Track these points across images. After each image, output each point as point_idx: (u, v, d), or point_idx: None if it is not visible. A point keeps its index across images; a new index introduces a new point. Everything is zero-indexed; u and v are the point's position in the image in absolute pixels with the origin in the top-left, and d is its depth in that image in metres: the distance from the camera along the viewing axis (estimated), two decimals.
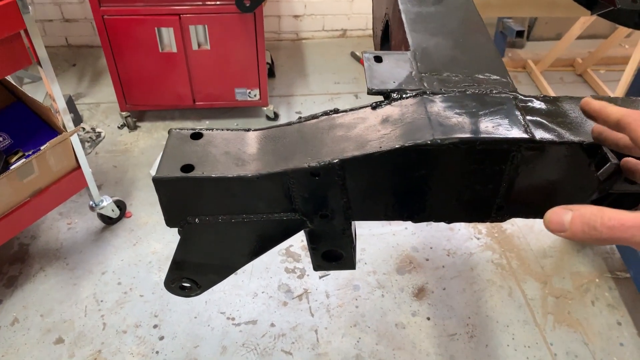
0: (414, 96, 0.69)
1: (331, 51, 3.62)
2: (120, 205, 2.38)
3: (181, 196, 0.68)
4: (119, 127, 2.92)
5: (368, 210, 0.71)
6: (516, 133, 0.62)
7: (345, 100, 3.18)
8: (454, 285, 2.20)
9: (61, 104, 1.87)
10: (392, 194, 0.69)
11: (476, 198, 0.69)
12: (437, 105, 0.67)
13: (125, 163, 2.73)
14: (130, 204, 2.49)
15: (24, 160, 1.85)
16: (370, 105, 0.72)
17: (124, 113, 2.85)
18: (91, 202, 2.27)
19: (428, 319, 2.10)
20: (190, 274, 0.81)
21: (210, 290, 2.22)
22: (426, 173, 0.65)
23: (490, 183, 0.67)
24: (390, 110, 0.69)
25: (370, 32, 3.76)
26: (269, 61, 3.22)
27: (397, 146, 0.62)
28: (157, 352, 1.95)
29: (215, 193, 0.67)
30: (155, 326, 2.03)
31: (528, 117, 0.66)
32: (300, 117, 0.73)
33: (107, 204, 2.29)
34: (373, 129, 0.67)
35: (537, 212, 0.72)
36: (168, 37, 2.56)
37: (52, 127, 2.02)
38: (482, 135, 0.62)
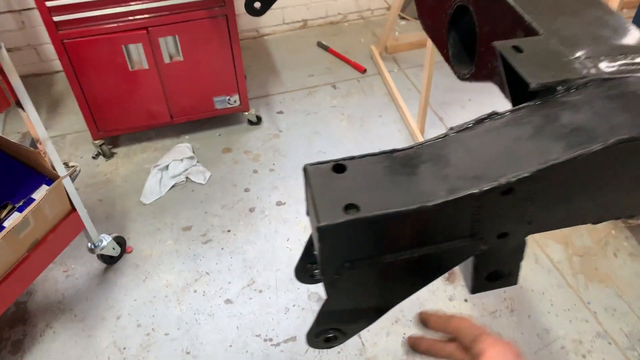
0: (584, 85, 0.62)
1: (296, 44, 3.50)
2: (120, 242, 2.20)
3: (344, 242, 0.58)
4: (93, 157, 2.71)
5: (551, 221, 0.64)
6: None
7: (324, 92, 3.09)
8: None
9: (49, 146, 1.68)
10: (584, 198, 0.61)
11: None
12: (618, 93, 0.60)
13: (111, 195, 2.53)
14: (128, 238, 2.31)
15: (17, 214, 1.66)
16: (533, 102, 0.64)
17: (97, 141, 2.64)
18: (89, 244, 2.08)
19: (465, 300, 2.07)
20: (339, 324, 0.71)
21: (238, 313, 2.11)
22: (627, 170, 0.58)
23: None
24: (564, 105, 0.61)
25: (332, 19, 3.67)
26: None
27: (599, 147, 0.55)
28: None
29: (383, 232, 0.58)
30: None
31: None
32: (452, 128, 0.65)
33: (107, 243, 2.11)
34: (555, 129, 0.59)
35: None
36: (137, 54, 2.38)
37: (37, 171, 1.82)
38: None
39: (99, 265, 2.21)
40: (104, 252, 2.12)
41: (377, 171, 0.61)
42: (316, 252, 0.62)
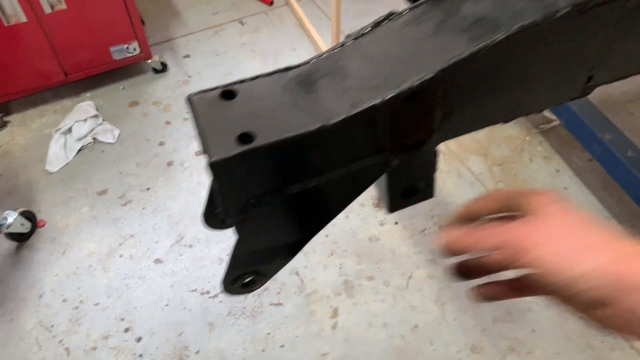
0: None
1: None
2: (29, 216, 2.03)
3: (244, 177, 0.52)
4: None
5: (460, 125, 0.60)
6: None
7: (231, 29, 2.92)
8: None
9: None
10: (492, 95, 0.58)
11: (570, 74, 0.60)
12: None
13: (11, 167, 2.30)
14: (39, 211, 2.13)
15: None
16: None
17: None
18: None
19: (396, 223, 2.10)
20: (255, 266, 0.66)
21: (170, 271, 2.02)
22: (539, 56, 0.54)
23: (589, 51, 0.58)
24: None
25: None
26: None
27: (501, 36, 0.50)
28: (140, 356, 1.76)
29: (285, 160, 0.52)
30: (126, 330, 1.82)
31: None
32: (348, 35, 0.58)
33: (13, 220, 1.93)
34: (457, 23, 0.54)
35: (629, 69, 0.65)
36: (11, 5, 2.10)
37: None
38: None
39: (10, 244, 2.04)
40: (11, 229, 1.95)
41: (271, 93, 0.54)
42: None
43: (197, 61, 2.75)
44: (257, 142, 0.49)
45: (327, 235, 2.06)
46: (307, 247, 2.00)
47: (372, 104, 0.50)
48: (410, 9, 0.57)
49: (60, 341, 1.80)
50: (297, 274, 1.95)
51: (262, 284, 0.71)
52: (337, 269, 1.97)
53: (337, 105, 0.51)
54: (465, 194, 2.17)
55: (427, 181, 0.65)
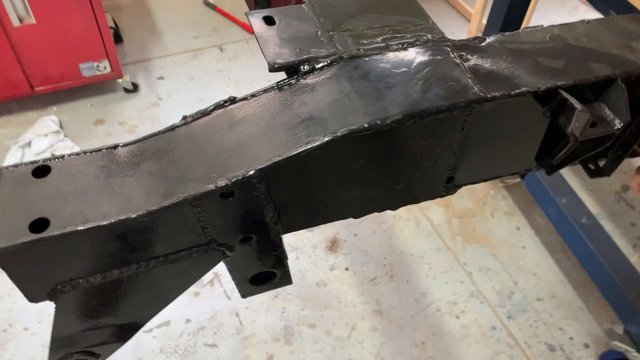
0: (329, 64, 0.54)
1: (181, 2, 3.25)
2: None
3: (42, 263, 0.48)
4: None
5: (301, 219, 0.56)
6: (467, 93, 0.50)
7: (209, 55, 2.90)
8: (365, 228, 2.16)
9: None
10: (329, 193, 0.54)
11: (423, 176, 0.57)
12: (361, 74, 0.52)
13: None
14: None
15: None
16: (276, 85, 0.55)
17: None
18: None
19: (347, 269, 2.05)
20: (84, 346, 0.61)
21: None
22: (367, 160, 0.51)
23: (439, 156, 0.55)
24: (304, 89, 0.53)
25: None
26: (112, 25, 2.80)
27: (326, 139, 0.47)
28: None
29: (90, 248, 0.48)
30: None
31: (469, 66, 0.54)
32: (185, 117, 0.55)
33: None
34: (288, 119, 0.50)
35: (489, 172, 0.62)
36: None
37: None
38: (428, 105, 0.49)
39: None
40: None
41: (88, 173, 0.50)
42: None
43: (170, 84, 2.72)
44: (48, 232, 0.45)
45: None
46: None
47: (183, 197, 0.46)
48: (253, 95, 0.54)
49: None
50: (237, 314, 1.89)
51: None
52: (279, 312, 1.91)
53: (149, 195, 0.47)
54: (421, 244, 2.13)
55: (280, 270, 0.61)
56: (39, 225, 0.45)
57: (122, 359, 1.76)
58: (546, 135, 0.57)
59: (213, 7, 3.19)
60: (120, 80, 2.57)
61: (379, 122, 0.47)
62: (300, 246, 2.09)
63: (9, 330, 1.82)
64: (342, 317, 1.90)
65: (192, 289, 1.95)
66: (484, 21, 2.41)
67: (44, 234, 0.45)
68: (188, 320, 1.87)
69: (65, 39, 2.29)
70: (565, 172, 2.16)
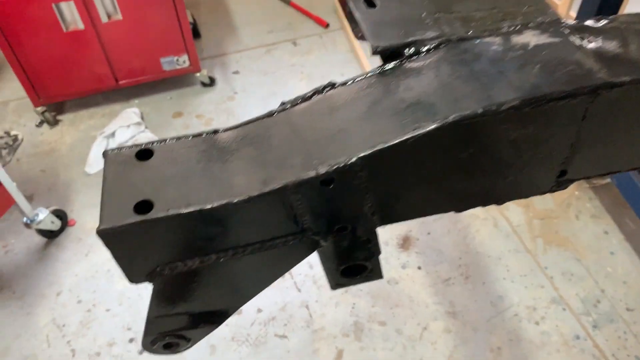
0: (436, 47, 0.50)
1: None
2: (60, 215, 2.10)
3: (144, 244, 0.48)
4: (37, 126, 2.57)
5: (400, 211, 0.53)
6: (592, 78, 0.45)
7: (283, 49, 2.93)
8: (438, 227, 2.10)
9: None
10: (432, 184, 0.51)
11: (535, 169, 0.52)
12: (471, 57, 0.48)
13: (54, 165, 2.40)
14: (71, 210, 2.20)
15: None
16: (378, 70, 0.52)
17: (39, 108, 2.49)
18: (25, 219, 1.98)
19: (419, 268, 1.99)
20: (177, 330, 0.62)
21: None
22: (477, 149, 0.48)
23: (555, 147, 0.50)
24: (410, 72, 0.50)
25: None
26: (191, 20, 2.89)
27: (435, 125, 0.44)
28: None
29: (190, 231, 0.48)
30: (131, 340, 1.83)
31: (591, 49, 0.48)
32: (283, 103, 0.53)
33: (44, 217, 2.00)
34: (393, 104, 0.48)
35: (607, 166, 0.56)
36: (70, 13, 2.20)
37: None
38: (548, 91, 0.44)
39: (40, 240, 2.12)
40: (42, 226, 2.02)
41: (190, 157, 0.50)
42: None
43: (245, 78, 2.77)
44: (152, 214, 0.45)
45: None
46: (321, 281, 1.94)
47: (283, 183, 0.45)
48: (354, 80, 0.51)
49: (69, 342, 1.84)
50: (307, 307, 1.89)
51: (188, 347, 0.67)
52: (349, 308, 1.89)
53: (249, 180, 0.46)
54: (499, 245, 2.03)
55: (372, 263, 0.58)
56: (143, 207, 0.45)
57: (196, 346, 1.80)
58: None
59: (287, 2, 3.21)
60: (198, 74, 2.64)
61: (494, 107, 0.43)
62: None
63: (92, 310, 1.92)
64: (413, 317, 1.86)
65: None
66: (573, 13, 2.26)
67: (148, 216, 0.44)
68: (259, 310, 1.89)
69: (148, 34, 2.38)
70: None
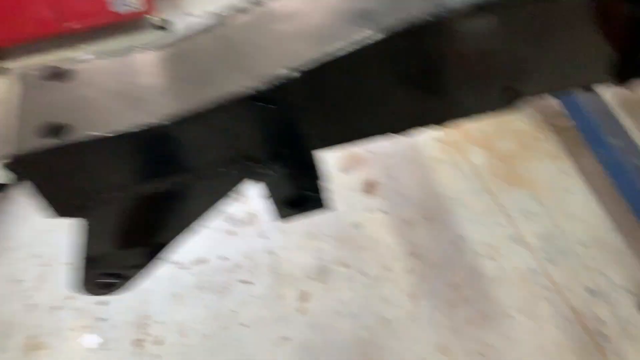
0: None
1: None
2: None
3: (68, 174, 0.44)
4: None
5: (338, 133, 0.51)
6: None
7: None
8: (403, 172, 2.10)
9: None
10: (372, 102, 0.48)
11: (476, 82, 0.50)
12: None
13: (6, 116, 2.27)
14: None
15: None
16: None
17: None
18: None
19: (383, 211, 2.01)
20: (110, 267, 0.59)
21: None
22: (419, 62, 0.45)
23: (496, 55, 0.48)
24: None
25: None
26: None
27: (381, 36, 0.41)
28: (103, 320, 1.74)
29: (118, 159, 0.44)
30: None
31: None
32: (220, 16, 0.49)
33: None
34: (338, 15, 0.44)
35: (557, 82, 0.55)
36: None
37: None
38: None
39: None
40: None
41: (116, 79, 0.46)
42: None
43: (201, 21, 2.65)
44: (67, 138, 0.41)
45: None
46: (287, 227, 1.91)
47: (216, 103, 0.42)
48: None
49: (26, 297, 1.80)
50: (272, 253, 1.89)
51: (125, 285, 0.64)
52: (314, 252, 1.90)
53: (180, 100, 0.43)
54: (460, 187, 2.06)
55: (314, 190, 0.56)
56: (56, 130, 0.41)
57: (159, 293, 1.79)
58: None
59: None
60: (150, 17, 2.51)
61: (445, 13, 0.40)
62: (336, 188, 2.05)
63: (52, 264, 1.87)
64: (377, 258, 1.88)
65: (229, 228, 1.95)
66: None
67: (62, 141, 0.41)
68: (225, 258, 1.88)
69: None
70: (620, 113, 2.02)
